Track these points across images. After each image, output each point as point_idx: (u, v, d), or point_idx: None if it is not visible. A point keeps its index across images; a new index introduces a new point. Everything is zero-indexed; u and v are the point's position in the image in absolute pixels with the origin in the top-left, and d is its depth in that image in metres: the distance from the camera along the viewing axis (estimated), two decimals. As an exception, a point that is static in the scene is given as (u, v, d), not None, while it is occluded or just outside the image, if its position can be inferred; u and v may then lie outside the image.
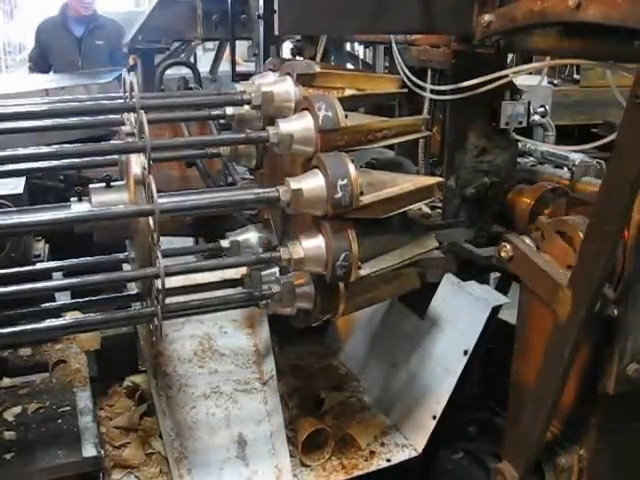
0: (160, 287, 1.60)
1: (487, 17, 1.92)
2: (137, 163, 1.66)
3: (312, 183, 1.64)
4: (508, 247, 1.84)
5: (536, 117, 2.64)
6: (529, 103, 2.30)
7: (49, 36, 5.19)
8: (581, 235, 1.76)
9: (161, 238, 1.61)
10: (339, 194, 1.62)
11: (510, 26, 1.87)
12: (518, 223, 2.19)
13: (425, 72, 2.34)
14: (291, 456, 2.11)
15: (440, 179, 1.85)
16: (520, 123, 2.30)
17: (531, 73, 2.87)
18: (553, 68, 3.53)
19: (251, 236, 2.01)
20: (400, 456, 2.13)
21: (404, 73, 2.32)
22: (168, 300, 1.68)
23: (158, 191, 1.57)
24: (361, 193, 1.64)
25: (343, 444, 2.17)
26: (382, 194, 1.68)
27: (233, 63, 3.16)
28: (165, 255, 1.71)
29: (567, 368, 1.72)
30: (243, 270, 1.95)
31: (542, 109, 2.59)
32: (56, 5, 5.40)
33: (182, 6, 3.28)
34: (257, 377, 2.19)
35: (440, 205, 2.38)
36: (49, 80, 4.30)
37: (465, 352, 2.07)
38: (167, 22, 3.29)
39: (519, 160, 2.51)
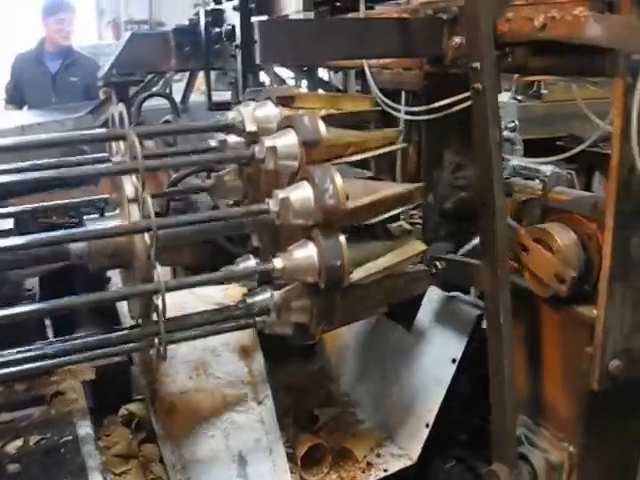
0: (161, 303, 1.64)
1: (457, 39, 2.02)
2: (130, 184, 1.71)
3: (300, 193, 1.72)
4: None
5: (505, 132, 2.76)
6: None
7: (23, 71, 5.21)
8: (559, 241, 1.87)
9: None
10: (327, 201, 1.70)
11: (480, 47, 1.97)
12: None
13: (397, 94, 2.44)
14: (291, 472, 2.15)
15: (421, 184, 1.94)
16: (493, 137, 2.39)
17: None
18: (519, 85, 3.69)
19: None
20: (396, 465, 2.19)
21: (378, 96, 2.42)
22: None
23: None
24: (347, 199, 1.72)
25: (340, 458, 2.22)
26: (366, 199, 1.76)
27: (209, 93, 3.24)
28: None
29: (509, 348, 1.82)
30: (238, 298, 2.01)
31: (512, 124, 2.71)
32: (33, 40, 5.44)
33: (155, 39, 3.35)
34: (253, 397, 2.24)
35: (420, 222, 2.47)
36: (23, 117, 4.33)
37: (453, 360, 2.15)
38: (141, 55, 3.36)
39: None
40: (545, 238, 1.89)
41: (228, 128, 1.88)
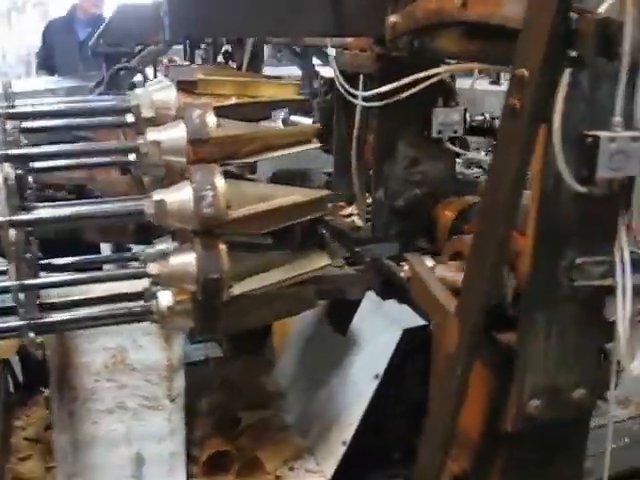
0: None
1: (393, 18, 1.80)
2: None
3: (178, 195, 1.55)
4: (406, 268, 1.73)
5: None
6: (465, 110, 2.15)
7: (54, 37, 5.25)
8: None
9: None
10: (205, 208, 1.53)
11: (413, 26, 1.75)
12: (440, 239, 2.05)
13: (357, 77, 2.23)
14: (194, 477, 2.02)
15: (326, 193, 1.74)
16: (455, 132, 2.16)
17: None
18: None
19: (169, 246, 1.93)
20: (307, 483, 2.02)
21: (337, 78, 2.22)
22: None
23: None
24: (229, 207, 1.54)
25: (250, 467, 2.07)
26: (254, 208, 1.57)
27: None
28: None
29: (457, 402, 1.59)
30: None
31: (482, 117, 2.44)
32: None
33: (144, 10, 3.22)
34: (166, 393, 2.11)
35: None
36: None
37: (376, 376, 1.95)
38: (129, 26, 3.25)
39: (465, 171, 2.37)
40: (463, 250, 1.66)
41: (125, 112, 1.71)
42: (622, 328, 1.45)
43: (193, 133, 1.56)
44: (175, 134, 1.58)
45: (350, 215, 2.36)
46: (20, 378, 2.44)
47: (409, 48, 1.86)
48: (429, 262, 1.69)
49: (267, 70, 4.89)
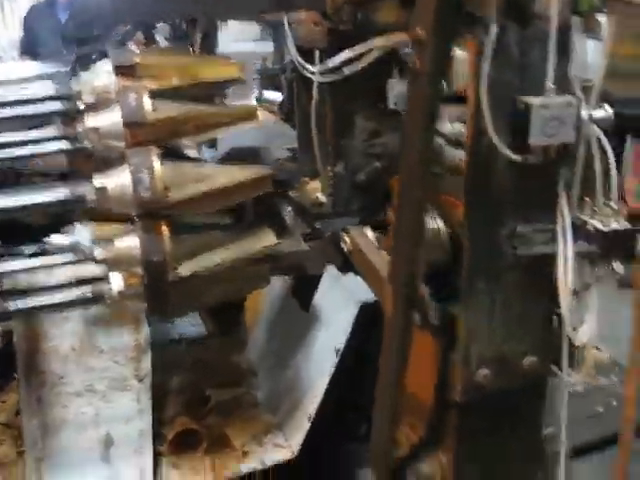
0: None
1: (332, -12, 1.77)
2: None
3: (118, 180, 1.55)
4: (347, 240, 1.72)
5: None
6: (422, 81, 2.13)
7: (34, 22, 5.21)
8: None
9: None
10: (143, 191, 1.53)
11: (351, -3, 1.73)
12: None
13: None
14: (163, 455, 2.05)
15: (271, 171, 1.73)
16: (412, 103, 2.13)
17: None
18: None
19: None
20: (275, 457, 2.04)
21: (292, 53, 2.20)
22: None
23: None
24: (167, 189, 1.54)
25: (218, 444, 2.10)
26: (194, 190, 1.57)
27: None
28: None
29: (398, 369, 1.60)
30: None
31: (439, 87, 2.40)
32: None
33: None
34: (134, 374, 2.13)
35: (336, 193, 2.25)
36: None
37: (337, 351, 1.96)
38: (99, 9, 3.21)
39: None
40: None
41: (64, 98, 1.70)
42: (564, 295, 1.44)
43: (129, 116, 1.55)
44: (113, 118, 1.58)
45: (313, 190, 2.35)
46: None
47: (353, 21, 1.84)
48: (369, 233, 1.69)
49: (257, 46, 4.87)
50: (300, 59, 2.17)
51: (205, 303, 1.81)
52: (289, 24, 2.26)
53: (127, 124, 1.55)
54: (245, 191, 1.65)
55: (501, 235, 1.47)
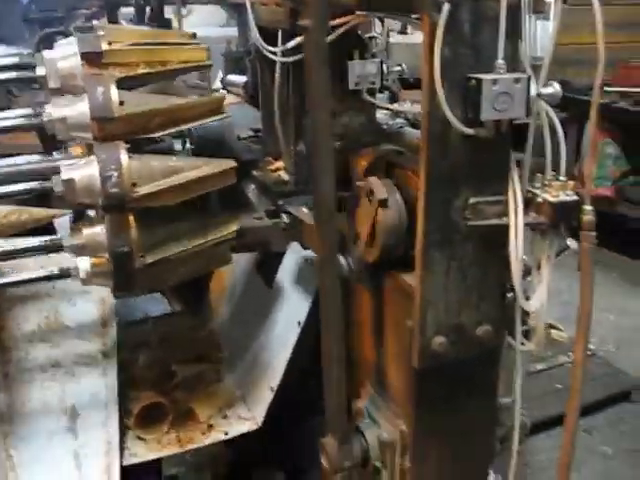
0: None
1: (279, -34, 1.81)
2: None
3: (86, 172, 1.57)
4: (285, 217, 1.81)
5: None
6: (382, 62, 2.18)
7: None
8: (374, 200, 1.69)
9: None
10: (111, 187, 1.55)
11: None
12: (355, 187, 2.10)
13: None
14: (129, 429, 2.09)
15: (234, 164, 1.75)
16: (373, 83, 2.19)
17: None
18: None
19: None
20: (239, 429, 2.09)
21: (255, 35, 2.24)
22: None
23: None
24: (135, 185, 1.56)
25: (184, 418, 2.14)
26: (161, 184, 1.59)
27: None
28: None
29: (335, 330, 1.68)
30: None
31: (399, 68, 2.47)
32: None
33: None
34: (100, 349, 2.16)
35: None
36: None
37: (298, 323, 2.02)
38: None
39: (391, 122, 2.41)
40: (367, 196, 1.72)
41: (32, 81, 1.70)
42: (515, 266, 1.51)
43: (96, 111, 1.56)
44: (80, 108, 1.58)
45: (277, 170, 2.40)
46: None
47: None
48: (305, 209, 1.77)
49: (223, 31, 4.86)
50: (261, 39, 2.21)
51: (170, 282, 1.84)
52: (252, 5, 2.30)
53: (95, 118, 1.56)
54: (209, 184, 1.68)
55: (454, 206, 1.53)
